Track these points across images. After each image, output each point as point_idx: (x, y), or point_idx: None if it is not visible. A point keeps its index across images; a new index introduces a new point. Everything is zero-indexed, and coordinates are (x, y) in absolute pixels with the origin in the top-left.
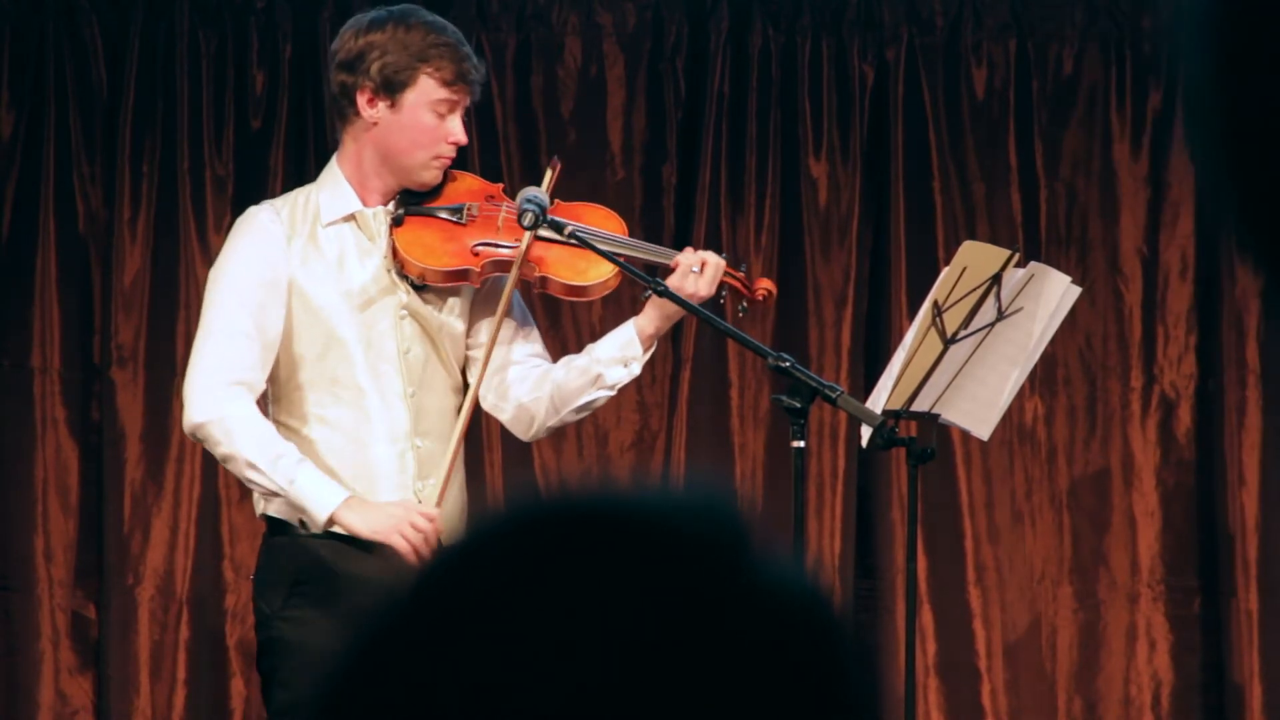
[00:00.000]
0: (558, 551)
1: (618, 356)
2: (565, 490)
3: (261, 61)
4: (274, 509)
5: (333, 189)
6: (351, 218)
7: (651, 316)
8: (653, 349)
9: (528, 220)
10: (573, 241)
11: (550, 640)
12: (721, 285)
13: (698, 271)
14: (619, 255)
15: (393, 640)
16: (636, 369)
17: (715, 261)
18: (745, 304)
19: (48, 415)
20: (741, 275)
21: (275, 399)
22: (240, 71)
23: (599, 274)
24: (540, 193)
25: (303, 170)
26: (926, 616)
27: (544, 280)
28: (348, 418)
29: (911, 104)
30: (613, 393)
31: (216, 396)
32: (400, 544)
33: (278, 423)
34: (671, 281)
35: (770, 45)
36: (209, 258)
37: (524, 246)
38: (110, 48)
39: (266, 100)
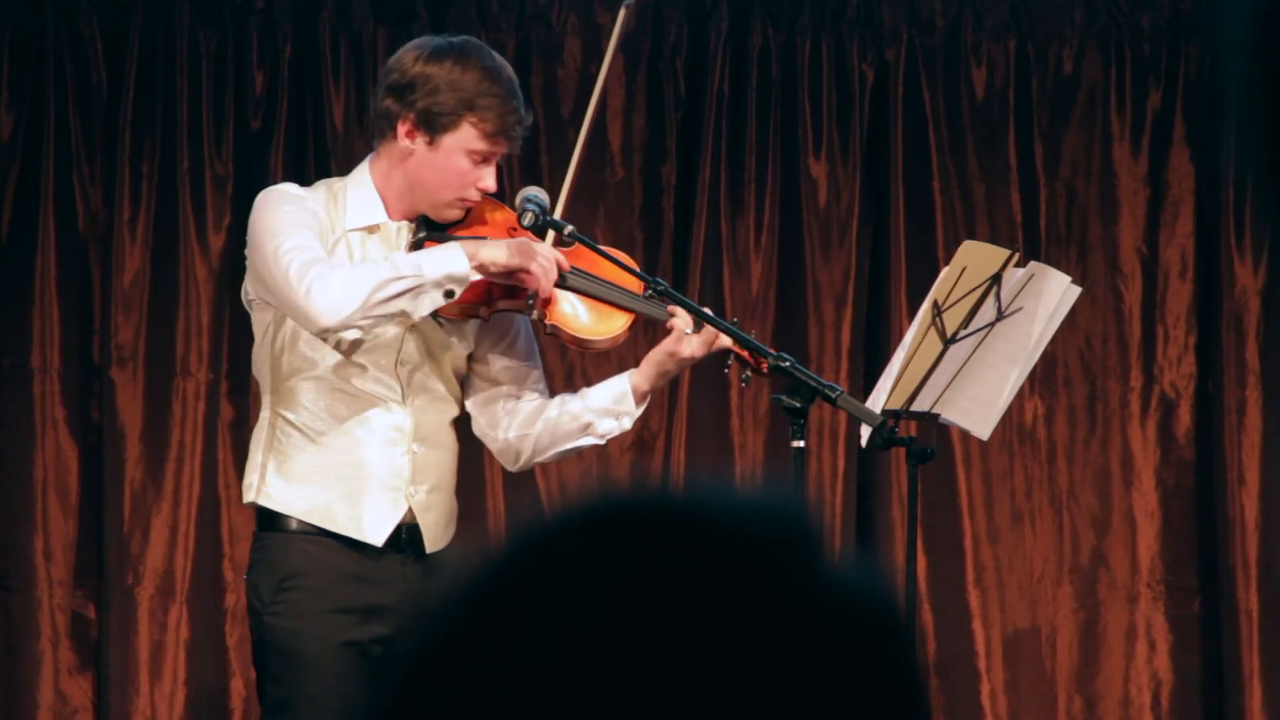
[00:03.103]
0: (627, 550)
1: (610, 409)
2: (632, 490)
3: (261, 61)
4: (264, 499)
5: (361, 196)
6: (376, 228)
7: (646, 374)
8: (645, 404)
9: (527, 220)
10: (571, 242)
11: (618, 639)
12: (728, 353)
13: (690, 333)
14: (617, 291)
15: (459, 638)
16: (628, 424)
17: (712, 334)
18: (749, 374)
19: (48, 415)
20: (748, 354)
21: (275, 393)
22: (240, 71)
23: (609, 329)
24: (540, 193)
25: (302, 170)
26: (926, 616)
27: (554, 329)
28: (347, 419)
29: (911, 104)
30: (602, 442)
31: (322, 284)
32: (537, 271)
33: (276, 414)
34: (667, 345)
35: (770, 45)
36: (209, 258)
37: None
38: (110, 48)
39: (266, 100)
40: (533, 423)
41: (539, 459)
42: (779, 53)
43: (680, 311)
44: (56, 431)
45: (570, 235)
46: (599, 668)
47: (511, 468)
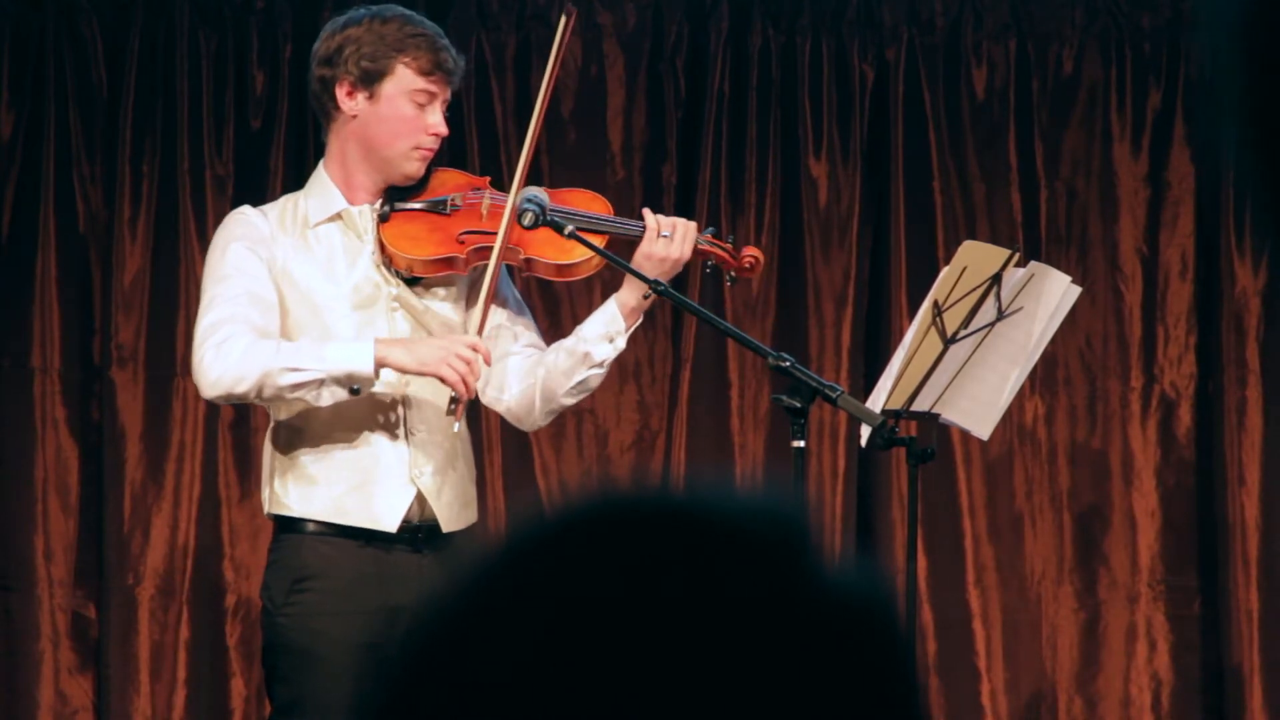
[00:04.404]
0: (627, 550)
1: (602, 333)
2: (632, 489)
3: (261, 61)
4: (278, 508)
5: (319, 193)
6: (338, 216)
7: (630, 287)
8: (638, 322)
9: (528, 220)
10: (573, 239)
11: (617, 639)
12: (707, 256)
13: (668, 235)
14: (609, 234)
15: (459, 636)
16: (622, 344)
17: (685, 224)
18: (733, 274)
19: (48, 415)
20: (728, 245)
21: None
22: (240, 71)
23: (584, 251)
24: (540, 193)
25: (302, 170)
26: (926, 616)
27: (530, 262)
28: (346, 413)
29: (911, 104)
30: (603, 370)
31: (220, 351)
32: (449, 374)
33: (279, 421)
34: (643, 249)
35: (770, 45)
36: None
37: (504, 225)
38: (110, 47)
39: (266, 100)
40: (533, 372)
41: (550, 407)
42: (779, 53)
43: (652, 214)
44: (56, 431)
45: (570, 235)
46: (598, 667)
47: (526, 425)
